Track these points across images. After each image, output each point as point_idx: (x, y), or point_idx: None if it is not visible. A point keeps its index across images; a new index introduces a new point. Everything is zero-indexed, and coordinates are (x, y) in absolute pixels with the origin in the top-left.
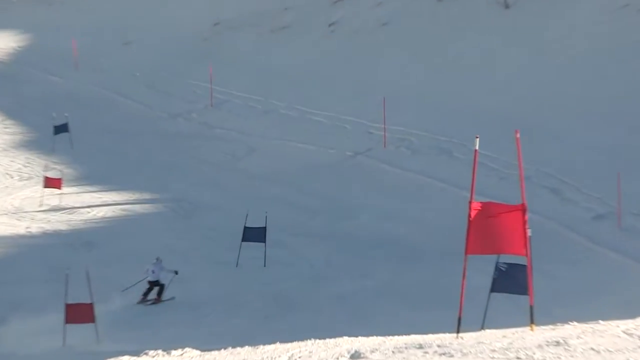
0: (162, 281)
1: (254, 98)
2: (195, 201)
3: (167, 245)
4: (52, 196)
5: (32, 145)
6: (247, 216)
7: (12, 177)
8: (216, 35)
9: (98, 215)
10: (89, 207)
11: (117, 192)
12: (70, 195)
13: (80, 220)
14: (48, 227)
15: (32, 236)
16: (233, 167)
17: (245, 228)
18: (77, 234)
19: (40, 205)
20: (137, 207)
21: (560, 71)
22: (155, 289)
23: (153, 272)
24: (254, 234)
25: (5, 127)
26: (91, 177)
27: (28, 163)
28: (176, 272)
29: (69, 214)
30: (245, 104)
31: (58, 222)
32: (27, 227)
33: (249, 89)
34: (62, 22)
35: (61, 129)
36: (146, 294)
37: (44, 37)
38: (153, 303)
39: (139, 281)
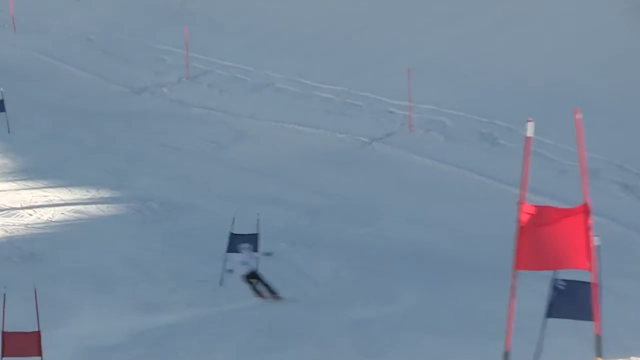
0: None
1: (242, 68)
2: (166, 201)
3: (129, 258)
4: None
5: None
6: (233, 220)
7: None
8: None
9: (43, 218)
10: (30, 207)
11: (66, 189)
12: (7, 192)
13: (20, 225)
14: None
15: None
16: (215, 157)
17: (232, 235)
18: (16, 243)
19: None
20: (92, 209)
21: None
22: (259, 284)
23: (246, 263)
24: (242, 242)
25: None
26: (33, 170)
27: None
28: (269, 253)
29: (5, 216)
30: (231, 75)
31: None
32: None
33: (236, 56)
34: None
35: None
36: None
37: None
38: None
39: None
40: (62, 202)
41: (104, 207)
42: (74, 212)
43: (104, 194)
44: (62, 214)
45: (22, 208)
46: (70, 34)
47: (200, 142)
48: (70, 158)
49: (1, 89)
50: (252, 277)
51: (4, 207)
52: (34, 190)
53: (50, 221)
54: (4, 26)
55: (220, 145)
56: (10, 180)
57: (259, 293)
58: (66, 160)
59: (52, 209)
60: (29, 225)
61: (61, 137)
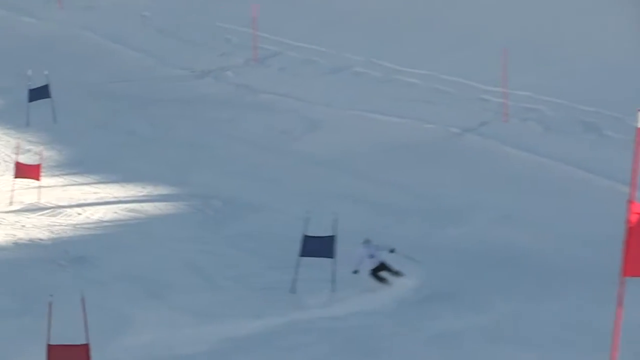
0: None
1: (315, 49)
2: (230, 198)
3: (189, 262)
4: (27, 190)
5: None
6: (307, 220)
7: None
8: None
9: (93, 218)
10: (79, 206)
11: (119, 185)
12: (53, 189)
13: (68, 225)
14: (22, 234)
15: None
16: (286, 149)
17: (305, 237)
18: (63, 246)
19: (10, 204)
20: (148, 207)
21: None
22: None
23: (372, 256)
24: (318, 246)
25: None
26: (82, 164)
27: None
28: (392, 250)
29: (52, 215)
30: (303, 58)
31: (36, 228)
32: None
33: (310, 36)
34: None
35: (39, 93)
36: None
37: None
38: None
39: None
40: (115, 199)
41: (161, 205)
42: (128, 211)
43: (161, 190)
44: (115, 213)
45: (70, 206)
46: (122, 10)
47: (269, 132)
48: (123, 150)
49: (46, 73)
50: (381, 269)
51: (49, 205)
52: (82, 187)
53: (101, 221)
54: (49, 1)
55: (291, 136)
56: (57, 175)
57: (384, 280)
58: (118, 152)
59: (103, 207)
60: (78, 226)
61: (112, 127)
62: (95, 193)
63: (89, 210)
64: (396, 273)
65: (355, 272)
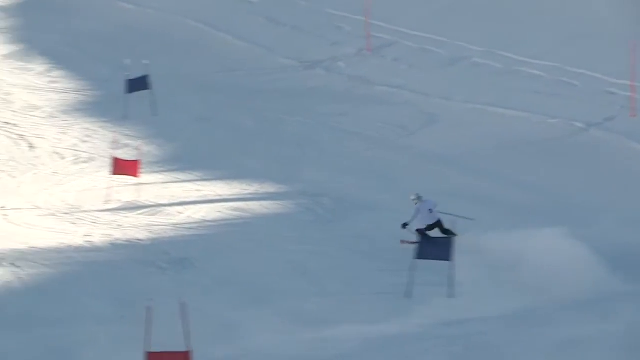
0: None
1: (433, 39)
2: (341, 197)
3: (297, 265)
4: (124, 188)
5: (93, 109)
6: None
7: (63, 158)
8: None
9: (195, 217)
10: (180, 204)
11: (223, 183)
12: (153, 186)
13: (168, 225)
14: (118, 234)
15: (93, 249)
16: (401, 144)
17: (421, 239)
18: (164, 246)
19: (107, 202)
20: (254, 206)
21: None
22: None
23: (431, 211)
24: (434, 248)
25: (53, 81)
26: (184, 159)
27: (87, 137)
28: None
29: (151, 214)
30: (420, 48)
31: (134, 228)
32: (87, 235)
33: (427, 25)
34: None
35: (138, 84)
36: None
37: None
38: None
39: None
40: (218, 197)
41: (267, 204)
42: (232, 210)
43: (268, 188)
44: (218, 212)
45: (171, 205)
46: None
47: (383, 126)
48: (228, 145)
49: (145, 62)
50: (435, 227)
51: (149, 203)
52: (184, 184)
53: (204, 221)
54: None
55: (407, 131)
56: (157, 172)
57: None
58: (223, 148)
59: (206, 206)
60: (179, 226)
61: (216, 120)
62: (197, 191)
63: (191, 209)
64: (450, 232)
65: (405, 225)
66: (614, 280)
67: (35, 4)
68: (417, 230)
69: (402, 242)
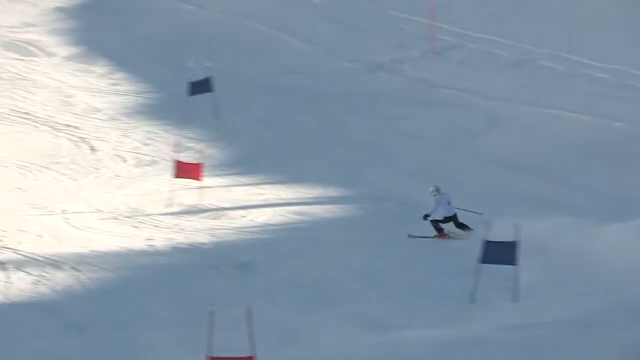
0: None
1: (498, 41)
2: (405, 200)
3: (361, 269)
4: (187, 191)
5: (155, 112)
6: (487, 224)
7: (125, 162)
8: None
9: (258, 221)
10: (243, 208)
11: (286, 186)
12: (215, 189)
13: (231, 229)
14: (181, 238)
15: (155, 252)
16: (465, 147)
17: (486, 243)
18: (226, 251)
19: (169, 205)
20: (317, 210)
21: None
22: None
23: (449, 203)
24: (499, 252)
25: (114, 83)
26: (246, 163)
27: (149, 140)
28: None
29: (213, 218)
30: (484, 50)
31: (196, 232)
32: (149, 239)
33: (491, 27)
34: None
35: (201, 87)
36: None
37: None
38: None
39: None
40: (281, 201)
41: (330, 207)
42: (295, 214)
43: (331, 192)
44: (281, 216)
45: (233, 208)
46: None
47: (448, 129)
48: (291, 148)
49: (208, 64)
50: (450, 221)
51: (211, 207)
52: (247, 187)
53: (267, 224)
54: None
55: (472, 134)
56: (219, 175)
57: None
58: (286, 151)
59: (269, 209)
60: (241, 230)
61: (279, 123)
62: (260, 194)
63: (254, 212)
64: (465, 226)
65: (426, 216)
66: None
67: (97, 5)
68: (433, 221)
69: (410, 236)
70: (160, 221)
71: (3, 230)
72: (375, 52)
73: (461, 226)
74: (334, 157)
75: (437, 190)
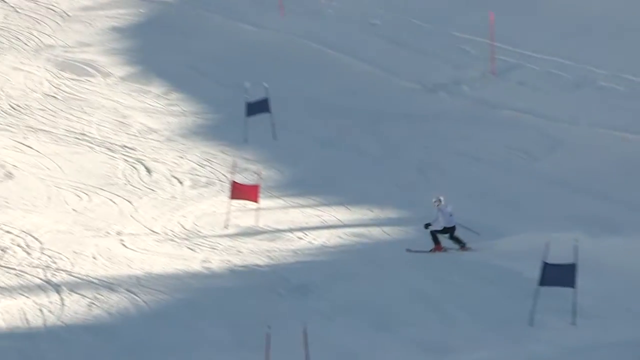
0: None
1: (557, 62)
2: (463, 222)
3: (419, 291)
4: (243, 212)
5: (212, 132)
6: (547, 246)
7: (181, 183)
8: None
9: (315, 243)
10: (300, 230)
11: (344, 208)
12: (272, 211)
13: (288, 250)
14: (237, 260)
15: (212, 275)
16: (525, 169)
17: (545, 265)
18: (282, 273)
19: (226, 227)
20: (375, 232)
21: None
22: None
23: (451, 215)
24: (558, 274)
25: (171, 104)
26: (304, 184)
27: (206, 161)
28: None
29: (270, 240)
30: (545, 71)
31: (253, 254)
32: (205, 261)
33: (551, 47)
34: None
35: (258, 107)
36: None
37: None
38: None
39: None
40: (339, 223)
41: (389, 229)
42: (353, 236)
43: (390, 213)
44: (339, 237)
45: (291, 230)
46: (349, 18)
47: (507, 151)
48: (349, 169)
49: (265, 85)
50: (449, 232)
51: (268, 229)
52: (304, 209)
53: (325, 247)
54: (269, 8)
55: (531, 156)
56: (276, 197)
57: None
58: (344, 172)
59: (326, 231)
60: (299, 252)
61: (338, 144)
62: (318, 216)
63: (311, 234)
64: (459, 241)
65: (427, 225)
66: None
67: (153, 24)
68: (432, 231)
69: (408, 250)
70: (217, 243)
71: (57, 253)
72: (434, 72)
73: (455, 240)
74: (392, 178)
75: (440, 200)
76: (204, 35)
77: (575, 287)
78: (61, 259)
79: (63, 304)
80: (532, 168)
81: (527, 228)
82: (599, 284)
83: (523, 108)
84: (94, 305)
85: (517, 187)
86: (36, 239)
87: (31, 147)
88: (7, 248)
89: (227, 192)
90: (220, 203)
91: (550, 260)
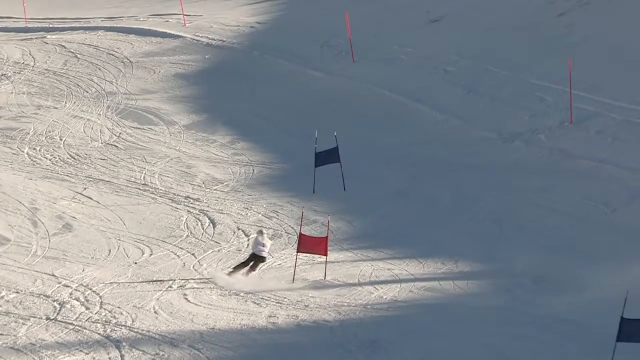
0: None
1: (638, 110)
2: (542, 277)
3: (495, 349)
4: (311, 266)
5: (279, 183)
6: (625, 302)
7: (247, 235)
8: (579, 7)
9: (386, 297)
10: (370, 284)
11: (416, 261)
12: (341, 264)
13: (357, 305)
14: (305, 315)
15: (278, 330)
16: (604, 221)
17: (624, 320)
18: (352, 328)
19: (293, 282)
20: (448, 286)
21: None
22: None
23: (263, 246)
24: (636, 329)
25: (237, 153)
26: (375, 236)
27: (273, 212)
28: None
29: (339, 294)
30: (624, 119)
31: (321, 309)
32: (271, 316)
33: (631, 95)
34: None
35: (327, 157)
36: (242, 265)
37: (296, 7)
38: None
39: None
40: (411, 277)
41: (462, 283)
42: (426, 290)
43: (463, 267)
44: (411, 292)
45: (360, 284)
46: (423, 65)
47: (586, 202)
48: (422, 221)
49: (336, 134)
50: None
51: (337, 282)
52: (374, 262)
53: (396, 301)
54: (340, 54)
55: (610, 207)
56: (346, 249)
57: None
58: (416, 224)
59: (398, 285)
60: (369, 306)
61: (410, 195)
62: (388, 269)
63: (382, 288)
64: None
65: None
66: None
67: (219, 70)
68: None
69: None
70: (284, 298)
71: (117, 307)
72: (510, 121)
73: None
74: (466, 230)
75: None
76: (272, 82)
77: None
78: (121, 313)
79: None
80: (610, 220)
81: (605, 281)
82: None
83: (601, 158)
84: None
85: (595, 239)
86: (95, 293)
87: (91, 198)
88: (65, 302)
89: (295, 245)
90: (288, 256)
91: (628, 315)
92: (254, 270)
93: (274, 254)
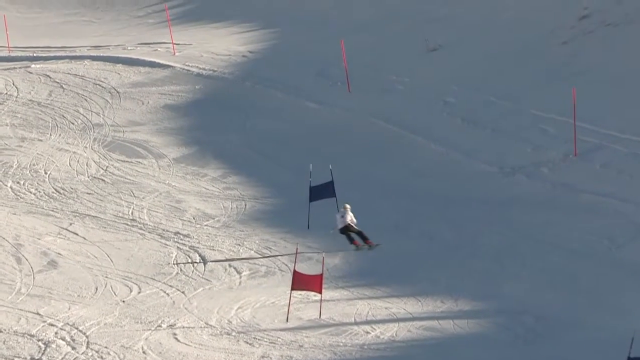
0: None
1: None
2: (543, 315)
3: None
4: (306, 304)
5: (272, 218)
6: (632, 341)
7: (238, 273)
8: (582, 36)
9: (383, 337)
10: (367, 323)
11: (414, 299)
12: (337, 303)
13: (354, 345)
14: (299, 356)
15: None
16: (609, 257)
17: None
18: None
19: (286, 321)
20: (447, 325)
21: None
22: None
23: (342, 217)
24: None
25: (228, 188)
26: (372, 274)
27: (266, 248)
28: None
29: (334, 334)
30: (630, 152)
31: (316, 349)
32: (264, 357)
33: (636, 127)
34: (319, 12)
35: (322, 192)
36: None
37: (290, 35)
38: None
39: None
40: (409, 316)
41: (462, 322)
42: (425, 330)
43: (463, 305)
44: (409, 331)
45: (356, 324)
46: (421, 96)
47: (589, 238)
48: (420, 258)
49: (331, 168)
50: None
51: (332, 322)
52: (371, 301)
53: (393, 341)
54: (335, 84)
55: (615, 243)
56: (341, 287)
57: (352, 241)
58: (414, 261)
59: (395, 324)
60: (366, 347)
61: (407, 230)
62: (386, 308)
63: (379, 328)
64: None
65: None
66: None
67: (210, 101)
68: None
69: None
70: (277, 337)
71: (104, 347)
72: (512, 153)
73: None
74: (467, 267)
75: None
76: (264, 113)
77: None
78: (109, 353)
79: None
80: (615, 256)
81: (610, 320)
82: None
83: (606, 192)
84: None
85: (599, 276)
86: (82, 332)
87: (77, 234)
88: (50, 342)
89: (289, 283)
90: (281, 294)
91: (634, 355)
92: (357, 242)
93: (267, 291)
